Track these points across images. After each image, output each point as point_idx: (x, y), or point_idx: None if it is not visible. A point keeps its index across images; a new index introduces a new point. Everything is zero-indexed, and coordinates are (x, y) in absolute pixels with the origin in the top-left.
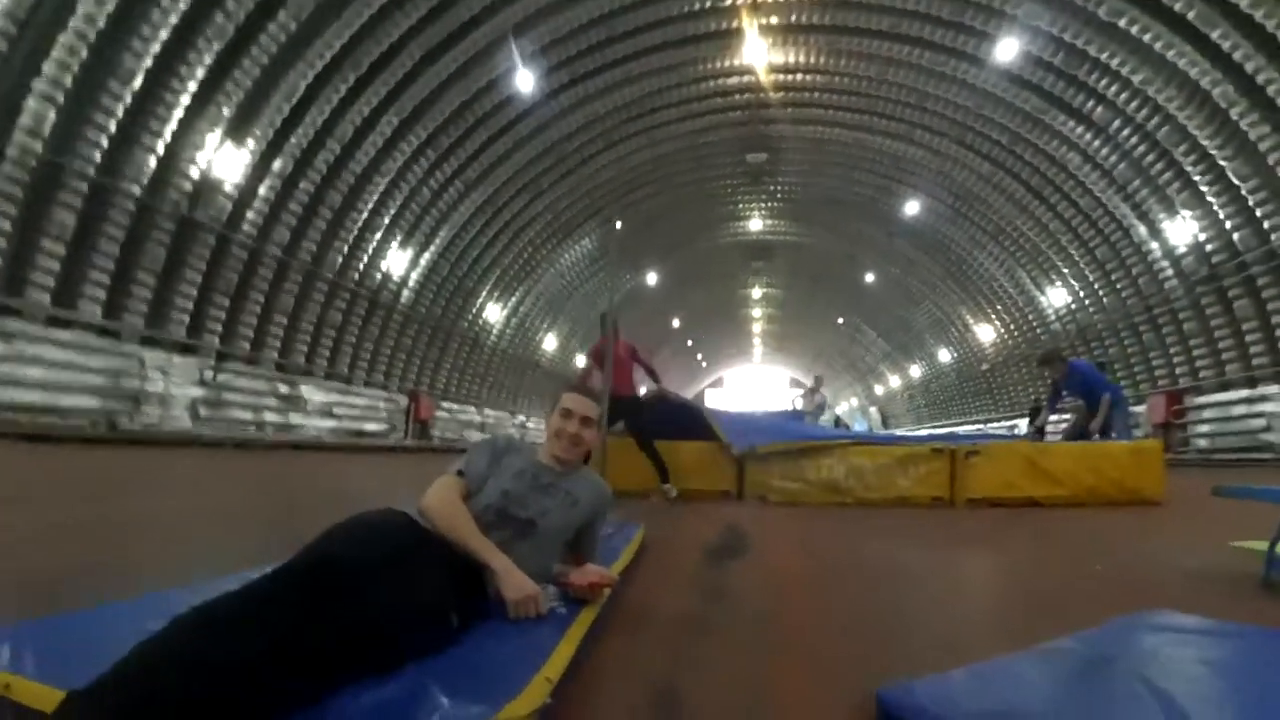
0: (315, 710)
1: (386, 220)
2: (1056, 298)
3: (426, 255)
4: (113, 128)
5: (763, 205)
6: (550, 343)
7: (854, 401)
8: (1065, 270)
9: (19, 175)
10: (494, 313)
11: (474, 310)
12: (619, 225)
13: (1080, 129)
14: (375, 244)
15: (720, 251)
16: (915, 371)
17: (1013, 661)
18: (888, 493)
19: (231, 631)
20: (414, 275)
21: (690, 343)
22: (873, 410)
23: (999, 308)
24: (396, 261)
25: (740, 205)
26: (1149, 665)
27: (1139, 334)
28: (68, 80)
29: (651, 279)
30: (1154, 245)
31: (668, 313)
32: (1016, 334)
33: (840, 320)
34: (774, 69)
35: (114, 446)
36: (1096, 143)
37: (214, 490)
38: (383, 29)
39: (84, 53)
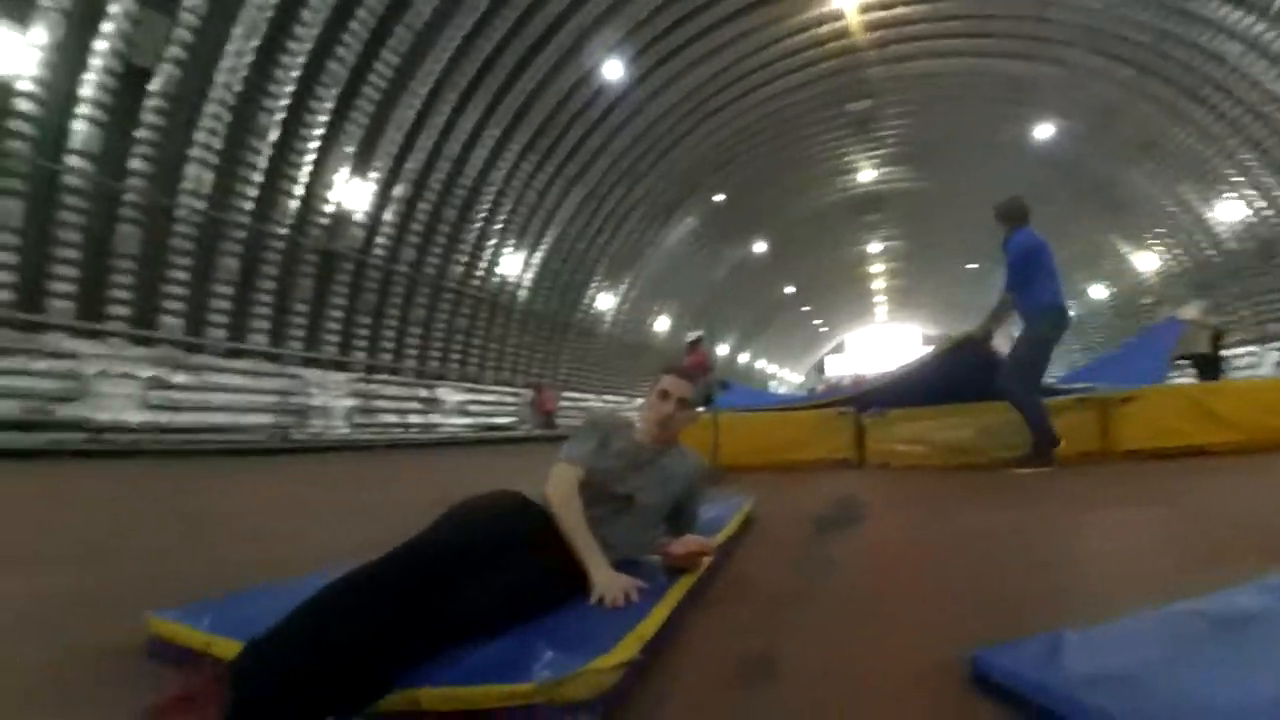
0: (435, 662)
1: (499, 226)
2: (1229, 212)
3: (538, 254)
4: (259, 179)
5: (871, 154)
6: (662, 324)
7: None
8: (1237, 179)
9: (189, 232)
10: (605, 301)
11: (586, 301)
12: (719, 199)
13: (1238, 13)
14: (491, 250)
15: (829, 210)
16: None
17: (1131, 623)
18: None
19: (360, 597)
20: (528, 275)
21: (805, 309)
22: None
23: (1160, 231)
24: (511, 264)
25: (846, 158)
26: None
27: None
28: (217, 144)
29: (759, 248)
30: None
31: (778, 281)
32: (1185, 258)
33: (973, 266)
34: (866, 8)
35: (290, 455)
36: (1259, 27)
37: (372, 486)
38: (475, 47)
39: (227, 117)
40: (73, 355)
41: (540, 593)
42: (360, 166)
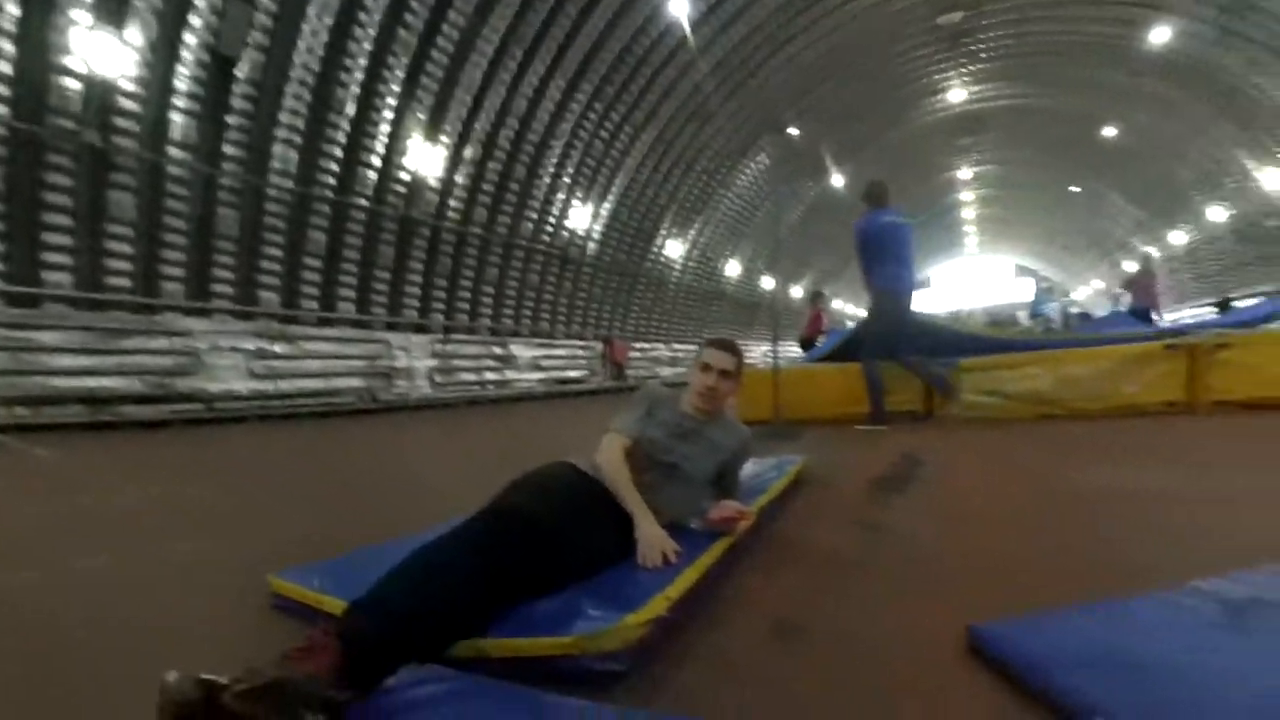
0: (500, 617)
1: (567, 180)
2: None
3: (606, 205)
4: (339, 154)
5: (964, 71)
6: (734, 268)
7: (1097, 284)
8: None
9: (280, 210)
10: (675, 249)
11: (655, 250)
12: (794, 132)
13: None
14: (560, 204)
15: (918, 135)
16: (1177, 238)
17: (1136, 602)
18: (1109, 402)
19: (448, 557)
20: (596, 227)
21: None
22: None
23: None
24: (580, 217)
25: (936, 77)
26: None
27: None
28: (300, 124)
29: (838, 181)
30: None
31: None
32: None
33: (1076, 189)
34: None
35: (378, 415)
36: None
37: (456, 440)
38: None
39: (308, 97)
40: (186, 333)
41: (597, 554)
42: (432, 132)
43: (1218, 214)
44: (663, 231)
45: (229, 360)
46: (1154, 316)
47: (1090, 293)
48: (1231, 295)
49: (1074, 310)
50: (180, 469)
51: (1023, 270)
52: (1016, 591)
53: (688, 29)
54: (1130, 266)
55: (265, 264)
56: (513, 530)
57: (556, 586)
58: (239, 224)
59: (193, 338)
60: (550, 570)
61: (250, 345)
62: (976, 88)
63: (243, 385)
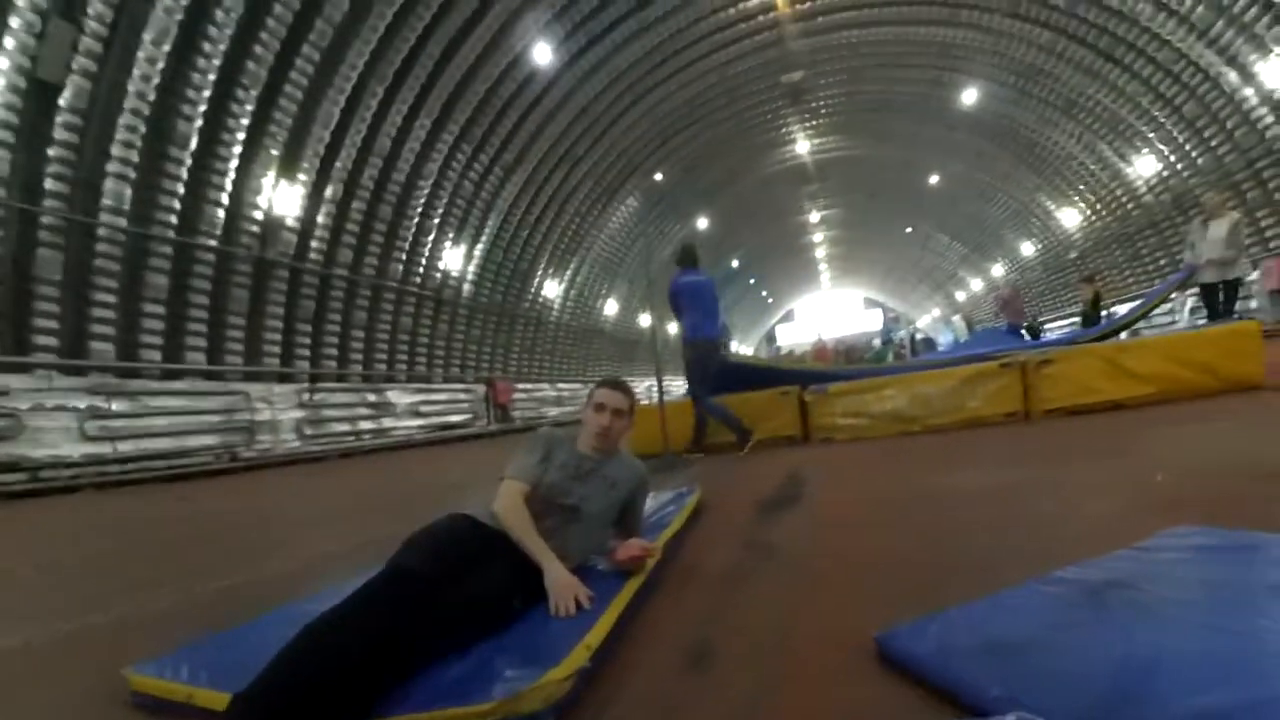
0: (405, 686)
1: (437, 220)
2: (1145, 166)
3: (479, 246)
4: (181, 190)
5: (807, 125)
6: (611, 307)
7: (935, 312)
8: (1151, 135)
9: (113, 251)
10: (552, 289)
11: (532, 290)
12: (659, 178)
13: None
14: (430, 245)
15: (770, 182)
16: (997, 270)
17: (1011, 594)
18: (957, 415)
19: (341, 637)
20: (470, 268)
21: (753, 280)
22: (956, 319)
23: (1081, 188)
24: (453, 258)
25: (783, 130)
26: (1153, 587)
27: (1242, 193)
28: (135, 157)
29: (702, 223)
30: (1248, 92)
31: (724, 254)
32: (1105, 213)
33: (909, 229)
34: None
35: (239, 474)
36: None
37: (326, 496)
38: (400, 36)
39: (142, 128)
40: (3, 391)
41: (501, 605)
42: (287, 169)
43: (1029, 248)
44: (539, 272)
45: (57, 421)
46: (1024, 333)
47: (929, 320)
48: (1041, 319)
49: (919, 336)
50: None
51: (870, 302)
52: (902, 589)
53: (551, 76)
54: (960, 296)
55: (97, 311)
56: (408, 592)
57: (463, 644)
58: (63, 267)
59: (10, 397)
60: (453, 626)
61: (82, 404)
62: (818, 140)
63: (74, 450)
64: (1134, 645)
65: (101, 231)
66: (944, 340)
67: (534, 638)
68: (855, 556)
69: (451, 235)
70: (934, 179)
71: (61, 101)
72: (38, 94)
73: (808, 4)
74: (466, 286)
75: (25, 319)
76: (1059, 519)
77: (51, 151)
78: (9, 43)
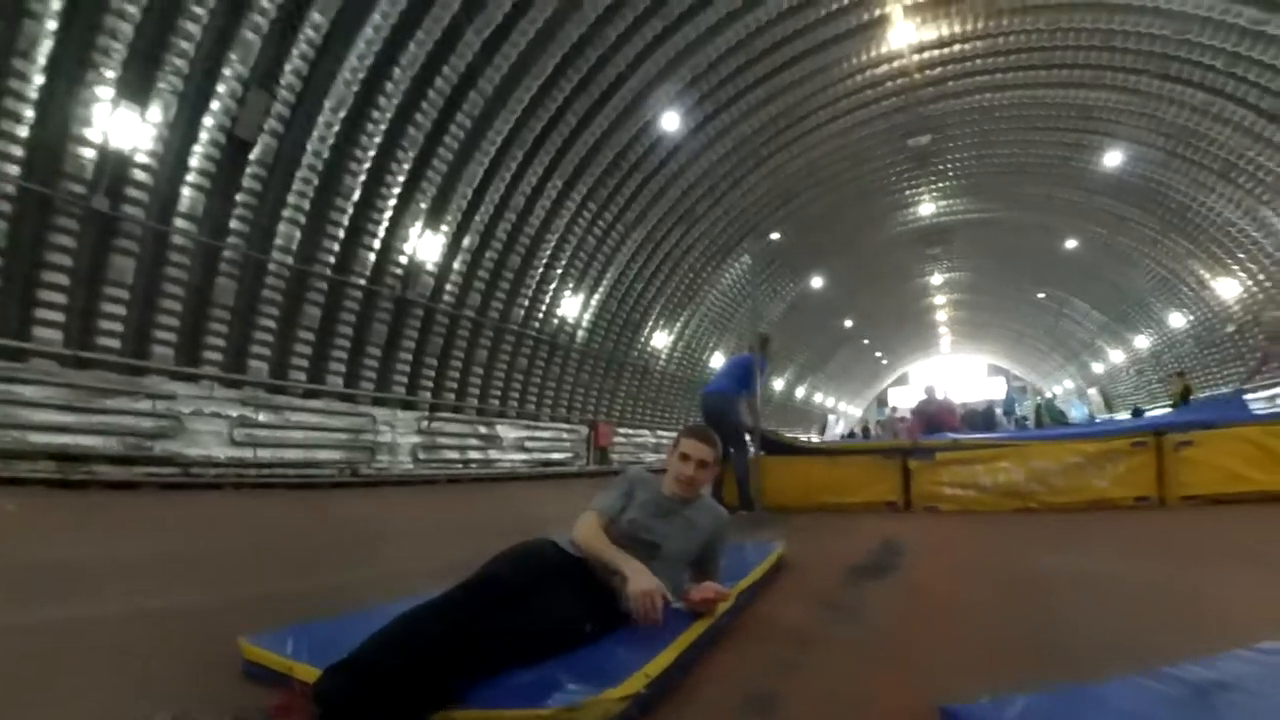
0: (476, 688)
1: (559, 271)
2: None
3: (596, 296)
4: (341, 234)
5: (933, 188)
6: (717, 360)
7: (1067, 384)
8: None
9: (277, 284)
10: (661, 339)
11: (642, 340)
12: (775, 237)
13: None
14: (551, 294)
15: (890, 244)
16: (1141, 342)
17: (1103, 688)
18: (1080, 495)
19: (421, 628)
20: (586, 316)
21: (866, 341)
22: (1092, 392)
23: (1241, 256)
24: (570, 306)
25: (907, 193)
26: (1270, 692)
27: None
28: (306, 205)
29: (816, 283)
30: None
31: (838, 315)
32: (1269, 284)
33: (1041, 295)
34: (925, 46)
35: (358, 488)
36: None
37: (435, 516)
38: (542, 106)
39: (316, 181)
40: (171, 396)
41: (573, 627)
42: (433, 220)
43: (1179, 320)
44: (650, 323)
45: (211, 426)
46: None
47: (1060, 391)
48: (1143, 406)
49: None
50: (151, 529)
51: (995, 369)
52: (987, 670)
53: (677, 142)
54: (1098, 368)
55: (258, 334)
56: (489, 597)
57: (534, 657)
58: (235, 294)
59: (177, 401)
60: (526, 638)
61: (234, 412)
62: (944, 202)
63: (222, 452)
64: None
65: (271, 266)
66: (1076, 414)
67: (599, 660)
68: (942, 630)
69: (572, 285)
70: (1071, 243)
71: (251, 156)
72: (233, 150)
73: (938, 70)
74: (580, 333)
75: (199, 337)
76: (1174, 614)
77: (239, 197)
78: (215, 105)
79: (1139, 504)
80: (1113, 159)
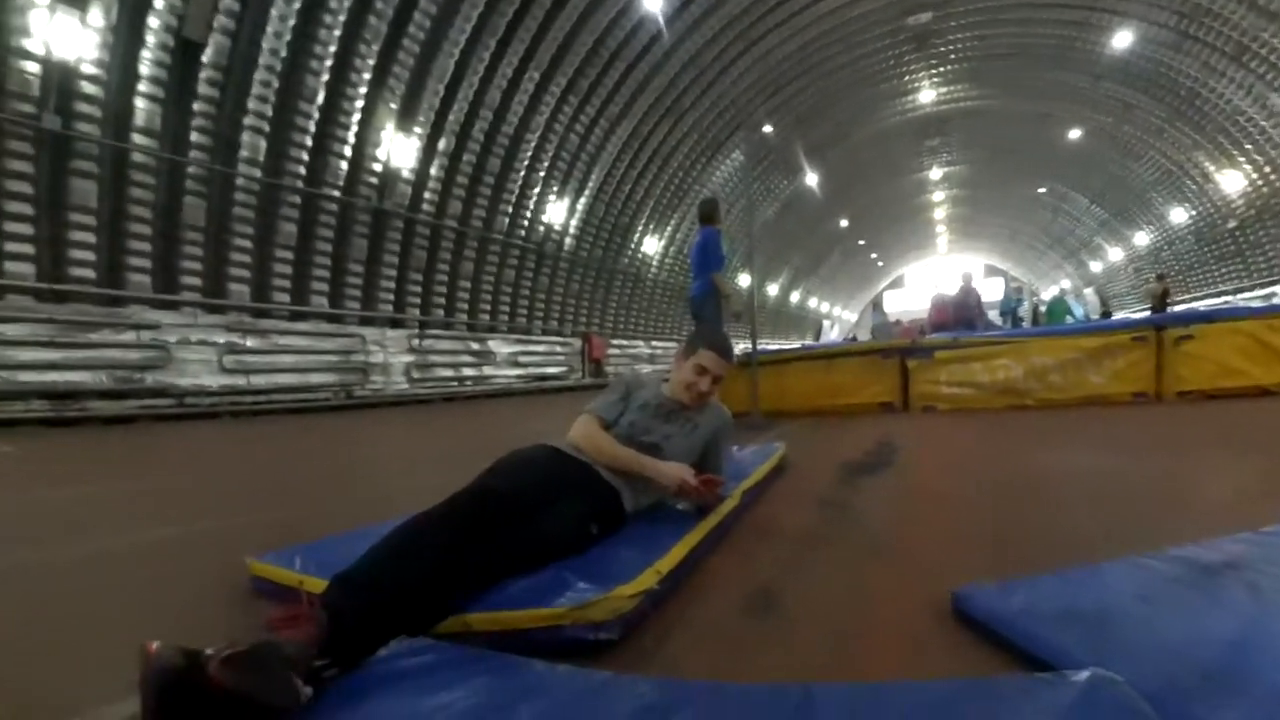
0: (483, 593)
1: (542, 174)
2: None
3: (582, 200)
4: (309, 142)
5: (932, 72)
6: None
7: (1064, 284)
8: None
9: (248, 200)
10: (651, 245)
11: (632, 246)
12: (768, 130)
13: None
14: (535, 199)
15: (887, 135)
16: (1141, 239)
17: (1111, 567)
18: (1077, 391)
19: (420, 540)
20: (573, 222)
21: (862, 242)
22: (1088, 292)
23: (1248, 147)
24: (556, 212)
25: (905, 78)
26: (1272, 578)
27: None
28: (268, 111)
29: (811, 180)
30: None
31: (833, 214)
32: (1275, 178)
33: (1041, 190)
34: None
35: (355, 411)
36: None
37: (434, 435)
38: None
39: (275, 83)
40: (155, 326)
41: (578, 530)
42: (404, 123)
43: (1180, 215)
44: (639, 227)
45: (199, 354)
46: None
47: (1057, 291)
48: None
49: (1043, 309)
50: (151, 462)
51: (992, 270)
52: (988, 560)
53: (661, 23)
54: (1096, 267)
55: (235, 255)
56: (491, 505)
57: (539, 562)
58: (206, 214)
59: (161, 331)
60: (530, 543)
61: (221, 339)
62: (945, 89)
63: (214, 380)
64: (1243, 626)
65: (239, 181)
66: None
67: (607, 561)
68: (941, 525)
69: (556, 189)
70: (1074, 134)
71: (204, 59)
72: (183, 53)
73: None
74: (568, 241)
75: (175, 261)
76: (1175, 503)
77: (196, 106)
78: (159, 3)
79: (1136, 400)
80: (1122, 40)
